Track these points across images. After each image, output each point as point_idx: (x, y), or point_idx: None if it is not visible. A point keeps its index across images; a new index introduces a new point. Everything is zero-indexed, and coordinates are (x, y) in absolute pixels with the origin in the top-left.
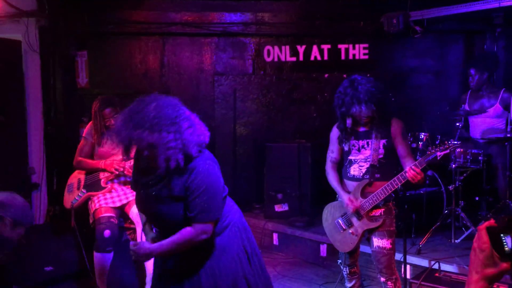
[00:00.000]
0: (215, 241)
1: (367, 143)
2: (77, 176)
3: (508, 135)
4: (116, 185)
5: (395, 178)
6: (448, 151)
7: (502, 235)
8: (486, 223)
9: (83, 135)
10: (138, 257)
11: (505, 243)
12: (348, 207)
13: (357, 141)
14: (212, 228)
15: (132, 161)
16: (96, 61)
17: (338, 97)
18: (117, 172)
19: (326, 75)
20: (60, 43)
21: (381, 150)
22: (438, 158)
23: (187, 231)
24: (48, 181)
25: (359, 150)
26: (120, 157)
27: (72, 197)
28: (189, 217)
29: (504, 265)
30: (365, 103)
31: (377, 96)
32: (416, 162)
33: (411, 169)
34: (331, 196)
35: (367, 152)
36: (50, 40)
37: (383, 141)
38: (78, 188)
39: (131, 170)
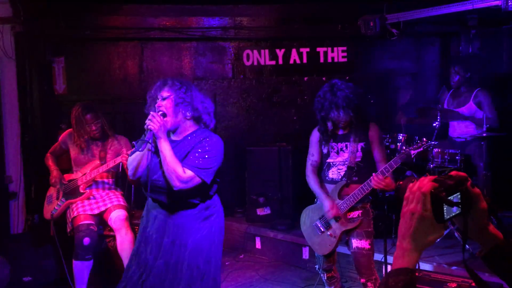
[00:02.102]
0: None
1: (346, 146)
2: (56, 187)
3: (484, 134)
4: (94, 191)
5: (365, 183)
6: (421, 149)
7: (445, 205)
8: (429, 186)
9: (59, 140)
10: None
11: (444, 211)
12: (329, 212)
13: (336, 144)
14: (194, 186)
15: (102, 167)
16: (74, 67)
17: (318, 101)
18: (55, 187)
19: (306, 78)
20: (37, 50)
21: (359, 153)
22: (412, 156)
23: (185, 175)
24: (26, 189)
25: (337, 152)
26: (98, 162)
27: (51, 207)
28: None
29: (442, 232)
30: (343, 108)
31: (354, 102)
32: (386, 166)
33: (375, 176)
34: (313, 198)
35: (346, 155)
36: (26, 47)
37: (361, 144)
38: (58, 198)
39: (99, 175)
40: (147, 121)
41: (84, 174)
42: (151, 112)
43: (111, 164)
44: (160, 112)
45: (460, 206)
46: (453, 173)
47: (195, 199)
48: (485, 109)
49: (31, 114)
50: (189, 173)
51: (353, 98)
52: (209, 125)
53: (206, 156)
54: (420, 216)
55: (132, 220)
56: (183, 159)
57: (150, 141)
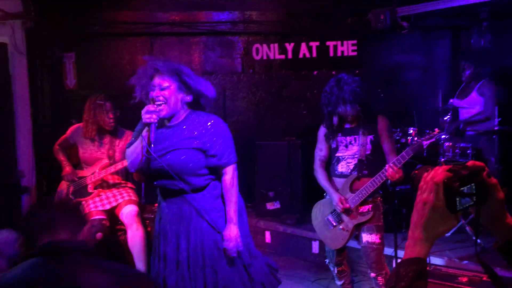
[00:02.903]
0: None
1: (354, 139)
2: (67, 183)
3: (496, 128)
4: (104, 190)
5: (377, 175)
6: (434, 139)
7: (458, 195)
8: (442, 176)
9: (67, 133)
10: (236, 247)
11: (457, 202)
12: (338, 206)
13: (344, 138)
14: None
15: (110, 168)
16: (84, 62)
17: (324, 96)
18: (67, 183)
19: (315, 72)
20: (47, 45)
21: (368, 146)
22: (425, 147)
23: (228, 182)
24: (38, 184)
25: (346, 146)
26: (106, 161)
27: None
28: (220, 164)
29: (454, 222)
30: (350, 103)
31: (361, 96)
32: (399, 157)
33: (389, 167)
34: (322, 193)
35: (355, 148)
36: (37, 42)
37: (370, 137)
38: (67, 195)
39: (110, 175)
40: (145, 116)
41: (93, 173)
42: (147, 107)
43: (119, 166)
44: (159, 102)
45: (473, 196)
46: (470, 163)
47: (205, 179)
48: (484, 101)
49: (42, 109)
50: (229, 172)
51: (360, 92)
52: (205, 108)
53: (226, 140)
54: (432, 206)
55: (143, 214)
56: (184, 140)
57: (150, 140)
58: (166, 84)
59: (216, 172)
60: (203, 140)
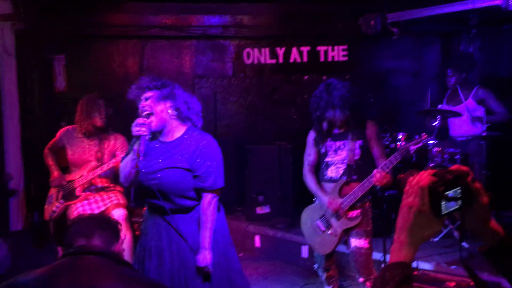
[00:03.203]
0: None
1: (344, 144)
2: (57, 188)
3: (484, 133)
4: (93, 193)
5: (365, 180)
6: (421, 144)
7: (442, 200)
8: (427, 180)
9: (56, 136)
10: (205, 269)
11: (442, 206)
12: (329, 208)
13: (333, 142)
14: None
15: (97, 170)
16: (74, 65)
17: (313, 101)
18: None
19: (306, 77)
20: (37, 47)
21: (357, 151)
22: (412, 151)
23: (206, 206)
24: (26, 187)
25: (335, 151)
26: (94, 163)
27: (51, 208)
28: (203, 186)
29: (439, 227)
30: (339, 108)
31: (351, 101)
32: (386, 162)
33: (377, 172)
34: (312, 197)
35: (344, 153)
36: (26, 44)
37: (359, 142)
38: (57, 199)
39: (99, 178)
40: (135, 128)
41: (81, 176)
42: (137, 120)
43: (105, 167)
44: (146, 112)
45: (458, 201)
46: (455, 167)
47: (192, 201)
48: (493, 105)
49: (31, 111)
50: (209, 196)
51: (349, 97)
52: (197, 125)
53: (215, 163)
54: (417, 210)
55: (131, 218)
56: (177, 161)
57: (139, 153)
58: (149, 95)
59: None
60: (192, 160)
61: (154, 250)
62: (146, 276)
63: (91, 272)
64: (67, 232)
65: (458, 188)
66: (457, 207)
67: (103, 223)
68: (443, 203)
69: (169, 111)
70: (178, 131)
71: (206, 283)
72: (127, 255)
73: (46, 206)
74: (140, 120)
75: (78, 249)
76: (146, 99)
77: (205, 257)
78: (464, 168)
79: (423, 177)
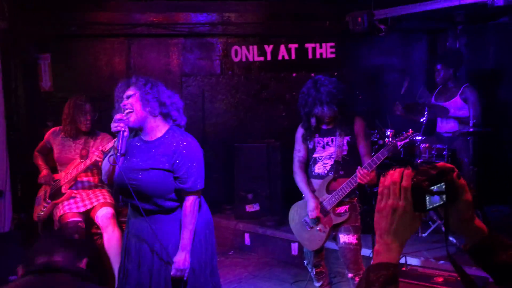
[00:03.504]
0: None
1: (332, 140)
2: (45, 188)
3: (471, 130)
4: (79, 191)
5: (352, 177)
6: (407, 139)
7: (427, 194)
8: (408, 180)
9: (44, 138)
10: (184, 271)
11: (427, 201)
12: (311, 213)
13: (321, 138)
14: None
15: (82, 164)
16: (60, 64)
17: (301, 97)
18: (44, 189)
19: (294, 74)
20: (22, 46)
21: (345, 147)
22: (399, 147)
23: (187, 209)
24: (13, 188)
25: (323, 147)
26: (79, 160)
27: (39, 209)
28: (182, 188)
29: (418, 224)
30: (327, 104)
31: (338, 97)
32: (370, 161)
33: (359, 171)
34: (301, 194)
35: (332, 149)
36: (10, 43)
37: (346, 138)
38: (44, 199)
39: (84, 174)
40: (113, 124)
41: (66, 174)
42: (115, 116)
43: (88, 162)
44: (127, 111)
45: (442, 196)
46: (439, 164)
47: (173, 202)
48: (471, 107)
49: (16, 111)
50: (190, 198)
51: (336, 93)
52: (180, 123)
53: (195, 165)
54: (403, 212)
55: (119, 217)
56: (157, 162)
57: (118, 149)
58: (130, 93)
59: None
60: (172, 161)
61: (134, 251)
62: None
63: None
64: (28, 251)
65: (442, 183)
66: (441, 202)
67: (66, 242)
68: (427, 198)
69: (148, 108)
70: (160, 130)
71: (186, 285)
72: (116, 254)
73: (35, 207)
74: (118, 116)
75: (41, 267)
76: (128, 97)
77: (183, 259)
78: (449, 165)
79: (396, 176)
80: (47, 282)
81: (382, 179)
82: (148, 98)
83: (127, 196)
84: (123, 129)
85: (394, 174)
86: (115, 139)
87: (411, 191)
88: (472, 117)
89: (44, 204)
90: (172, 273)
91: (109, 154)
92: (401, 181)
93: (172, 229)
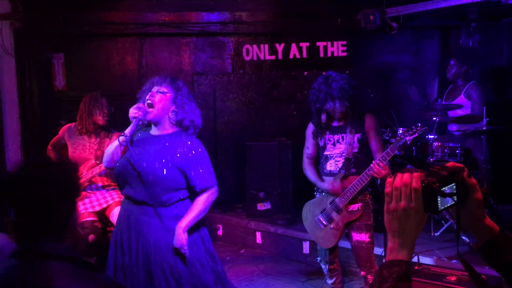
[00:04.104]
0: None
1: (342, 138)
2: None
3: (484, 128)
4: (94, 192)
5: (363, 173)
6: (416, 134)
7: (439, 196)
8: (418, 181)
9: (59, 133)
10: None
11: (439, 202)
12: (332, 190)
13: (332, 136)
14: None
15: (96, 169)
16: (73, 63)
17: (312, 93)
18: None
19: (306, 73)
20: (36, 46)
21: (356, 144)
22: (408, 142)
23: (200, 201)
24: None
25: (334, 144)
26: (93, 161)
27: None
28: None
29: (425, 220)
30: (338, 99)
31: (350, 92)
32: (383, 154)
33: (375, 165)
34: (313, 193)
35: (342, 147)
36: (25, 43)
37: (357, 135)
38: None
39: (99, 177)
40: (132, 109)
41: (81, 174)
42: (138, 103)
43: (103, 166)
44: (148, 102)
45: (453, 196)
46: (449, 164)
47: (170, 197)
48: (472, 104)
49: (31, 110)
50: (205, 194)
51: (348, 88)
52: (188, 132)
53: (203, 164)
54: (415, 213)
55: None
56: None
57: (129, 133)
58: (164, 90)
59: (184, 194)
60: (184, 161)
61: (126, 243)
62: (105, 276)
63: (42, 284)
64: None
65: (453, 184)
66: (453, 203)
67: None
68: (439, 199)
69: (170, 113)
70: (168, 130)
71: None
72: None
73: None
74: (140, 105)
75: (24, 252)
76: (159, 92)
77: (180, 236)
78: (458, 164)
79: (407, 178)
80: (34, 272)
81: (389, 180)
82: (177, 102)
83: (124, 182)
84: (140, 116)
85: (404, 176)
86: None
87: (423, 192)
88: (470, 109)
89: None
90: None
91: (116, 142)
92: (412, 183)
93: (168, 222)
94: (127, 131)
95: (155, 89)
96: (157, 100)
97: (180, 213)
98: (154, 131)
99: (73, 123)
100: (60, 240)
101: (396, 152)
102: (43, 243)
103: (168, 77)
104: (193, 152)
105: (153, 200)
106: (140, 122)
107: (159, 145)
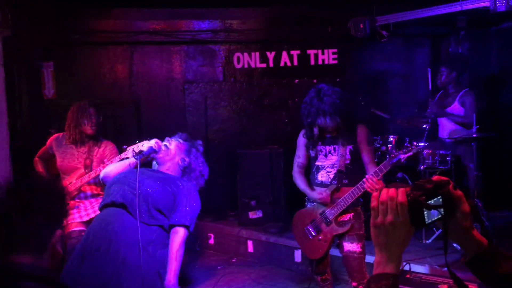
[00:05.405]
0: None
1: (334, 149)
2: None
3: (474, 135)
4: (82, 201)
5: (355, 187)
6: (411, 153)
7: (424, 209)
8: (403, 196)
9: (47, 144)
10: None
11: (425, 215)
12: (321, 199)
13: (324, 147)
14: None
15: (85, 177)
16: (63, 71)
17: (304, 107)
18: None
19: (296, 81)
20: (25, 54)
21: (348, 156)
22: (402, 160)
23: (177, 242)
24: None
25: (326, 156)
26: (82, 170)
27: None
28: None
29: (413, 232)
30: (330, 115)
31: (342, 107)
32: (377, 169)
33: (368, 179)
34: (304, 201)
35: (334, 158)
36: (14, 51)
37: (349, 147)
38: None
39: (88, 186)
40: (153, 140)
41: (70, 183)
42: (157, 141)
43: (93, 174)
44: (165, 143)
45: (440, 209)
46: (434, 177)
47: (160, 220)
48: (465, 110)
49: (20, 119)
50: (180, 231)
51: (340, 104)
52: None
53: (194, 204)
54: (401, 227)
55: None
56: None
57: (142, 155)
58: (178, 140)
59: (166, 223)
60: (179, 195)
61: (94, 250)
62: None
63: None
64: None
65: (439, 196)
66: (439, 216)
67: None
68: (425, 212)
69: (179, 162)
70: (173, 172)
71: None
72: None
73: None
74: (160, 143)
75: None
76: (175, 139)
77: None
78: (444, 178)
79: (393, 192)
80: None
81: (375, 194)
82: (183, 155)
83: (122, 199)
84: (156, 149)
85: (390, 190)
86: (123, 153)
87: (409, 206)
88: (464, 115)
89: None
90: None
91: (123, 162)
92: (397, 197)
93: (134, 240)
94: (145, 149)
95: (172, 138)
96: (174, 149)
97: (156, 242)
98: (158, 167)
99: (61, 133)
100: (38, 259)
101: (389, 168)
102: (17, 262)
103: (183, 134)
104: (190, 192)
105: (150, 219)
106: (152, 155)
107: (163, 176)
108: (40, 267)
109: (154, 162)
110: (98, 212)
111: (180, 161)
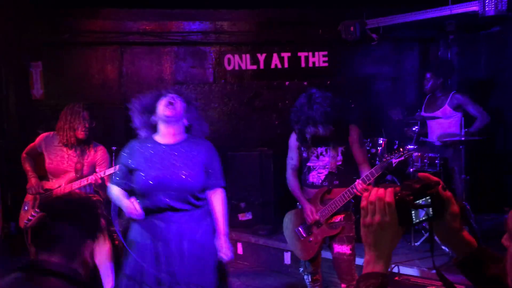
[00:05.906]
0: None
1: (326, 150)
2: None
3: (463, 138)
4: None
5: (346, 190)
6: (403, 158)
7: (412, 209)
8: (391, 196)
9: (36, 141)
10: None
11: (413, 215)
12: (308, 217)
13: (315, 148)
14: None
15: (76, 183)
16: (52, 71)
17: (294, 113)
18: (32, 195)
19: (287, 83)
20: (13, 54)
21: (339, 157)
22: (394, 165)
23: (222, 198)
24: (3, 196)
25: (317, 157)
26: (73, 174)
27: (26, 217)
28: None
29: (403, 232)
30: (321, 124)
31: (333, 116)
32: (368, 173)
33: (359, 184)
34: (294, 203)
35: (326, 159)
36: (2, 51)
37: (341, 148)
38: (33, 207)
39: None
40: (128, 209)
41: (59, 186)
42: (131, 200)
43: (84, 182)
44: (172, 102)
45: (428, 209)
46: (424, 177)
47: (199, 201)
48: (470, 110)
49: (7, 119)
50: (221, 192)
51: (331, 112)
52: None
53: (219, 161)
54: (389, 227)
55: (110, 228)
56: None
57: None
58: (180, 101)
59: (203, 193)
60: (207, 160)
61: (149, 251)
62: None
63: None
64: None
65: (428, 197)
66: (428, 216)
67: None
68: (413, 212)
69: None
70: (179, 135)
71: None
72: (106, 266)
73: (22, 213)
74: (133, 203)
75: (28, 266)
76: (177, 97)
77: (224, 241)
78: (433, 177)
79: (382, 192)
80: (36, 285)
81: (365, 194)
82: (188, 114)
83: (158, 195)
84: (171, 115)
85: (378, 190)
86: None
87: (396, 206)
88: (477, 117)
89: (33, 212)
90: (219, 255)
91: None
92: (385, 197)
93: (197, 226)
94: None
95: (170, 96)
96: (179, 106)
97: (206, 215)
98: (163, 139)
99: (51, 132)
100: (68, 262)
101: (380, 172)
102: (46, 260)
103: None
104: (212, 153)
105: (188, 206)
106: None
107: (179, 155)
108: (69, 267)
109: (160, 126)
110: None
111: (185, 119)
